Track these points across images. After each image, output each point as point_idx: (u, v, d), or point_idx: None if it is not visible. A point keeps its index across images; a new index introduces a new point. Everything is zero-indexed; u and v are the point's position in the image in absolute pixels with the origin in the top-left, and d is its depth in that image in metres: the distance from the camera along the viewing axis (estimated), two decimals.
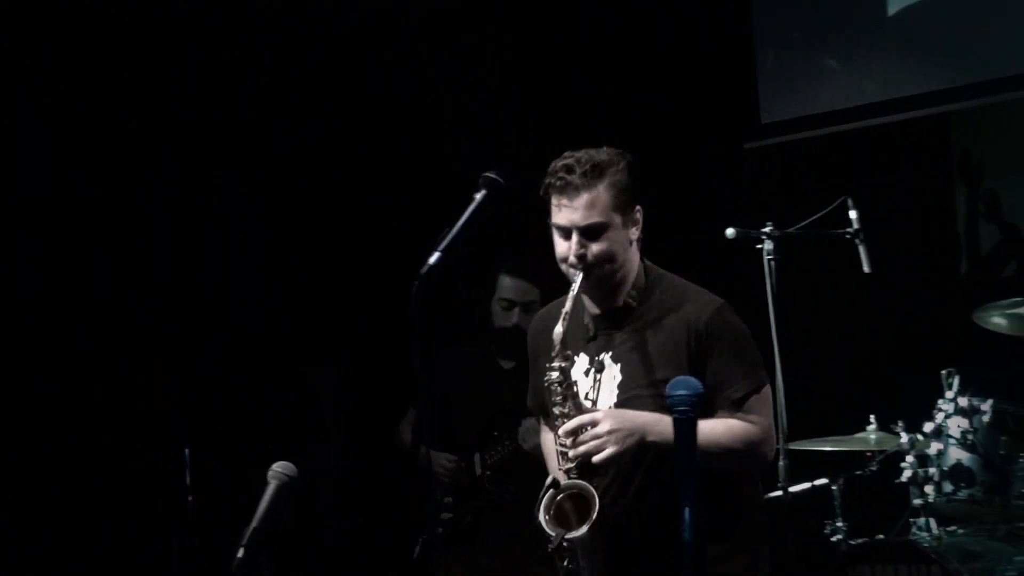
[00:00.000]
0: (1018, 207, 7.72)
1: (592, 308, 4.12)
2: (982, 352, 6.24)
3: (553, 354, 3.98)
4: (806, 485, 5.81)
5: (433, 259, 3.73)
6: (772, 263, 5.63)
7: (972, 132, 7.87)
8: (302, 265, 7.25)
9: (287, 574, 6.47)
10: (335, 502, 7.28)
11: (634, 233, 4.06)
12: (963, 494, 5.55)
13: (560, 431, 3.96)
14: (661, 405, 3.79)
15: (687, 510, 3.43)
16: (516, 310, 6.08)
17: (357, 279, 7.22)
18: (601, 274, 3.99)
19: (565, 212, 3.98)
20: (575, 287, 3.97)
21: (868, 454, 5.91)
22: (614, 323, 4.09)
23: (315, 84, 7.40)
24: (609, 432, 3.87)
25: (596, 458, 3.88)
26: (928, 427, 5.68)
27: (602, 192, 3.97)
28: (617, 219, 3.99)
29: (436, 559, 5.96)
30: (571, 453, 3.92)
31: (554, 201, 4.01)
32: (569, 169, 3.98)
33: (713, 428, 3.91)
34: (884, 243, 6.13)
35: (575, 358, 4.08)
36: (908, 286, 7.60)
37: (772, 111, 7.92)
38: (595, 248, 3.97)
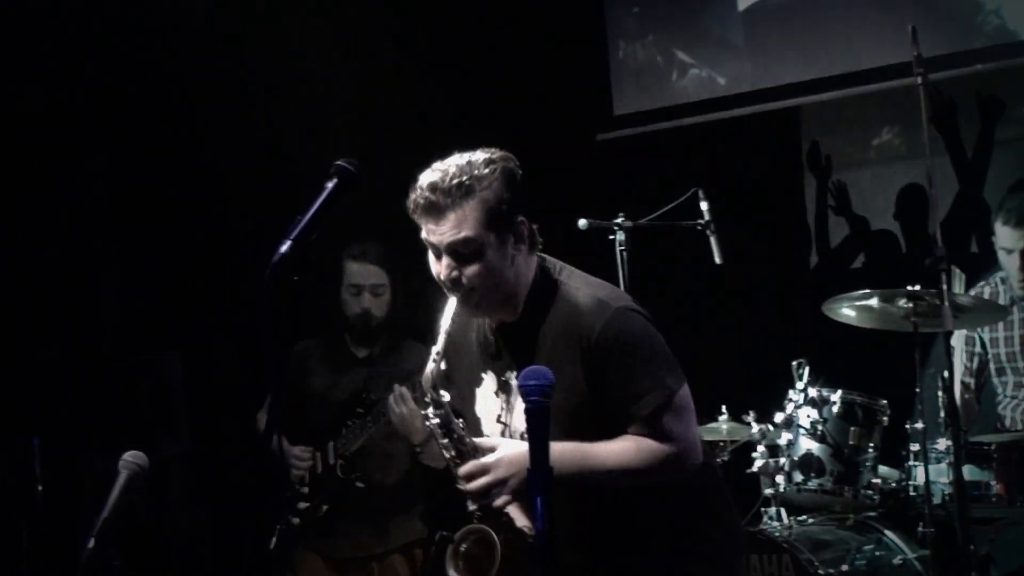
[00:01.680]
0: (867, 200, 7.82)
1: (491, 321, 3.85)
2: (831, 343, 6.33)
3: (426, 399, 3.72)
4: None
5: (284, 248, 3.61)
6: (624, 254, 5.70)
7: (821, 125, 7.95)
8: (151, 252, 7.15)
9: (139, 564, 6.41)
10: (188, 491, 7.20)
11: (519, 247, 3.74)
12: (813, 484, 5.58)
13: (458, 476, 3.71)
14: (566, 425, 3.59)
15: (538, 500, 3.32)
16: (365, 295, 6.05)
17: (209, 268, 7.13)
18: (480, 297, 3.71)
19: (433, 234, 3.69)
20: (450, 306, 3.70)
21: (720, 444, 5.95)
22: (514, 338, 3.80)
23: (161, 71, 7.29)
24: (501, 481, 3.63)
25: (496, 504, 3.67)
26: (778, 417, 5.69)
27: (470, 211, 3.65)
28: (492, 237, 3.67)
29: (293, 549, 5.90)
30: (469, 502, 3.70)
31: (421, 221, 3.72)
32: (433, 188, 3.66)
33: (624, 451, 3.68)
34: (735, 234, 6.19)
35: (482, 376, 3.86)
36: (758, 277, 7.68)
37: (624, 103, 7.99)
38: (469, 271, 3.68)
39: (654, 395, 3.67)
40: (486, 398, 3.86)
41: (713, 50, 7.75)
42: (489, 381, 3.87)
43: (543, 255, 3.86)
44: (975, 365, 6.20)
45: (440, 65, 7.77)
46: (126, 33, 7.22)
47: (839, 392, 5.63)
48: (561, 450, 3.53)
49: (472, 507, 3.72)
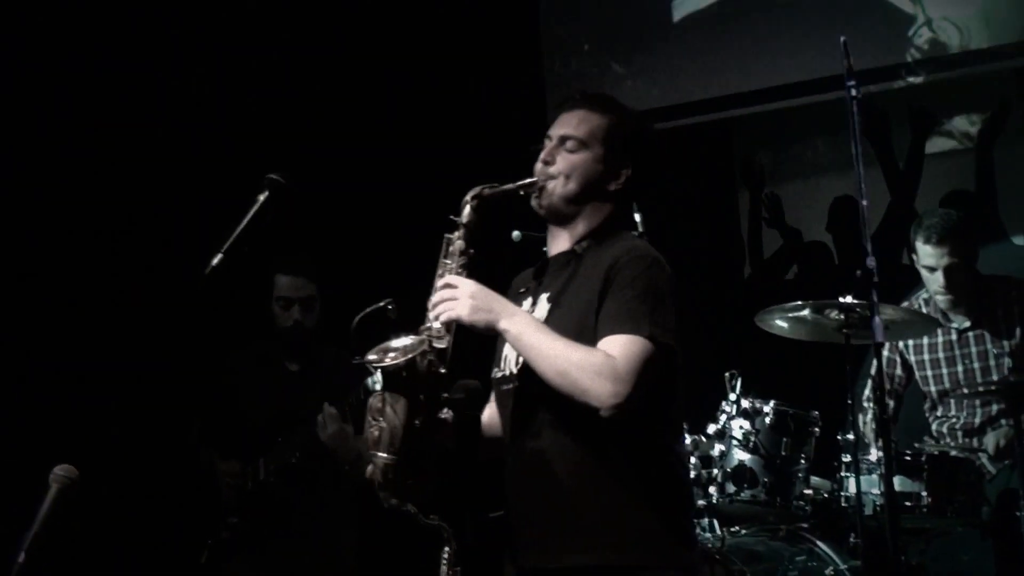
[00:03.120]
0: (799, 212, 7.89)
1: (551, 249, 3.99)
2: (764, 355, 6.35)
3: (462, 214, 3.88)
4: None
5: (216, 260, 3.66)
6: None
7: (754, 138, 8.03)
8: (77, 263, 7.08)
9: None
10: (118, 504, 7.14)
11: (611, 183, 3.92)
12: (745, 495, 5.56)
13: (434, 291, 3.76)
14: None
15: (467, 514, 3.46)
16: (295, 307, 6.05)
17: (135, 279, 7.07)
18: (556, 187, 3.89)
19: (556, 122, 3.96)
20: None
21: None
22: (560, 266, 3.94)
23: (116, 78, 7.25)
24: (467, 296, 3.68)
25: (443, 316, 3.67)
26: (711, 428, 5.68)
27: (597, 120, 3.92)
28: (598, 150, 3.90)
29: (222, 563, 5.89)
30: (430, 304, 3.71)
31: (553, 117, 3.98)
32: (584, 93, 4.03)
33: (572, 345, 3.66)
34: (669, 246, 6.18)
35: (523, 303, 3.91)
36: (692, 289, 7.66)
37: None
38: (563, 157, 3.90)
39: (629, 325, 3.66)
40: None
41: (647, 61, 7.80)
42: (526, 304, 3.93)
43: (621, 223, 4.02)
44: (895, 386, 6.27)
45: (381, 80, 7.77)
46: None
47: (771, 403, 5.62)
48: (526, 315, 3.76)
49: (428, 324, 3.70)
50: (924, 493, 5.46)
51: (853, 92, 4.50)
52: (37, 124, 7.02)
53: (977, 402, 6.07)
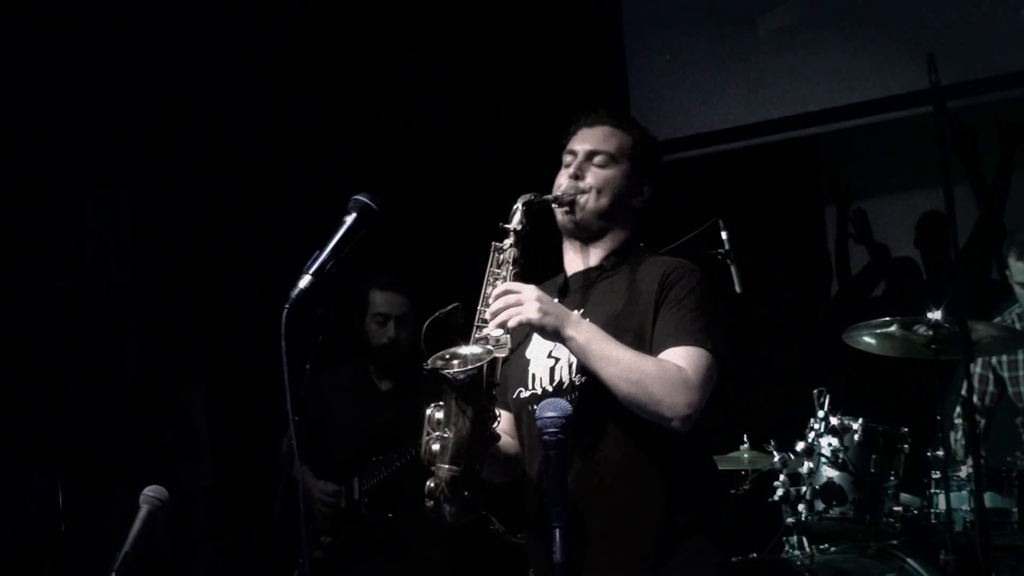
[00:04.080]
0: (887, 227, 7.84)
1: (569, 267, 4.00)
2: (852, 371, 6.32)
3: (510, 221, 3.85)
4: None
5: (303, 283, 3.64)
6: None
7: (840, 153, 7.98)
8: (175, 287, 7.18)
9: None
10: (210, 525, 7.22)
11: (636, 199, 3.98)
12: (834, 512, 5.54)
13: (491, 294, 3.74)
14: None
15: (557, 532, 3.38)
16: (391, 324, 6.04)
17: (231, 302, 7.16)
18: (585, 203, 3.90)
19: (580, 137, 3.98)
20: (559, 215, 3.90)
21: (742, 473, 5.94)
22: (587, 283, 3.95)
23: (189, 107, 7.35)
24: (534, 299, 3.65)
25: (512, 321, 3.64)
26: (800, 446, 5.67)
27: (623, 136, 3.97)
28: (626, 165, 3.95)
29: None
30: (489, 311, 3.68)
31: (573, 131, 4.00)
32: (605, 110, 4.02)
33: (639, 354, 3.70)
34: (756, 264, 6.19)
35: None
36: (779, 306, 7.68)
37: None
38: (592, 172, 3.92)
39: (690, 337, 3.73)
40: (540, 339, 3.87)
41: (732, 79, 7.76)
42: None
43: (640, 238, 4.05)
44: (987, 402, 6.20)
45: (459, 100, 7.79)
46: (155, 69, 7.26)
47: (860, 420, 5.61)
48: (591, 324, 3.73)
49: (483, 332, 3.69)
50: (1015, 510, 5.42)
51: (939, 107, 4.48)
52: (150, 153, 7.14)
53: None
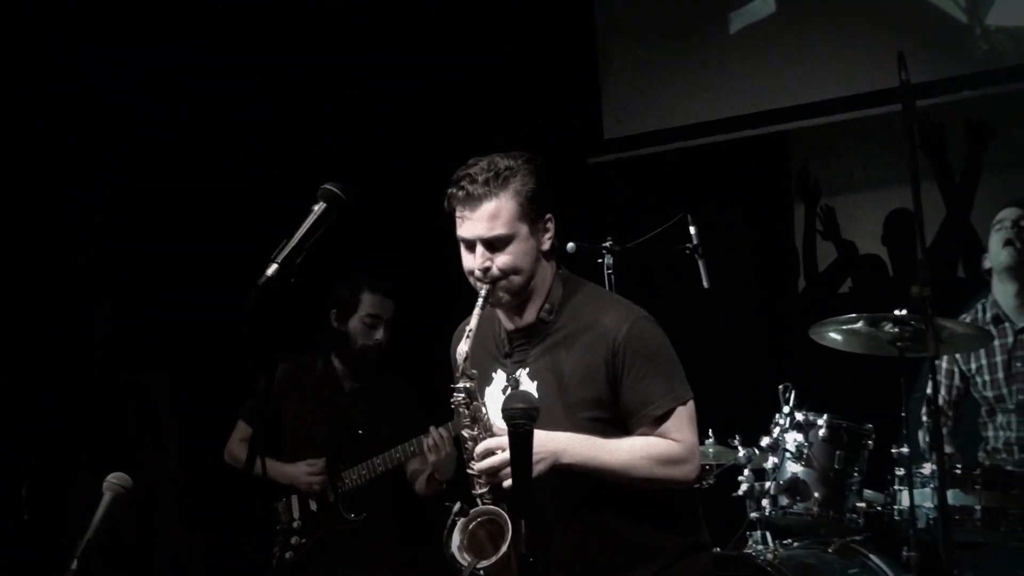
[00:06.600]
0: (854, 224, 7.87)
1: (507, 323, 4.00)
2: (818, 367, 6.35)
3: (457, 374, 3.86)
4: None
5: (270, 271, 3.64)
6: (612, 277, 5.76)
7: (810, 150, 8.00)
8: (142, 275, 7.17)
9: None
10: (174, 512, 7.22)
11: (545, 243, 3.93)
12: (798, 508, 5.60)
13: (472, 456, 3.82)
14: (577, 424, 3.80)
15: (522, 523, 3.43)
16: (381, 327, 6.07)
17: (197, 291, 7.15)
18: (508, 287, 3.87)
19: (468, 224, 3.87)
20: (480, 302, 3.86)
21: (706, 467, 5.92)
22: (528, 339, 3.97)
23: (155, 96, 7.33)
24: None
25: (507, 483, 3.69)
26: (765, 441, 5.72)
27: (506, 202, 3.84)
28: (523, 229, 3.87)
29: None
30: (482, 479, 3.79)
31: (457, 212, 3.89)
32: (471, 179, 3.86)
33: (632, 446, 3.82)
34: (723, 259, 6.22)
35: (492, 375, 3.99)
36: (746, 302, 7.71)
37: (615, 127, 8.04)
38: (500, 260, 3.85)
39: (668, 399, 3.86)
40: (494, 396, 3.96)
41: (703, 74, 7.79)
42: (499, 379, 3.99)
43: (559, 265, 4.05)
44: (953, 396, 6.24)
45: (433, 90, 7.80)
46: (126, 47, 7.24)
47: (825, 416, 5.66)
48: (573, 439, 3.80)
49: (481, 489, 3.80)
50: (978, 507, 5.43)
51: (908, 105, 4.50)
52: (119, 141, 7.13)
53: None
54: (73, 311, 7.01)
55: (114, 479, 3.89)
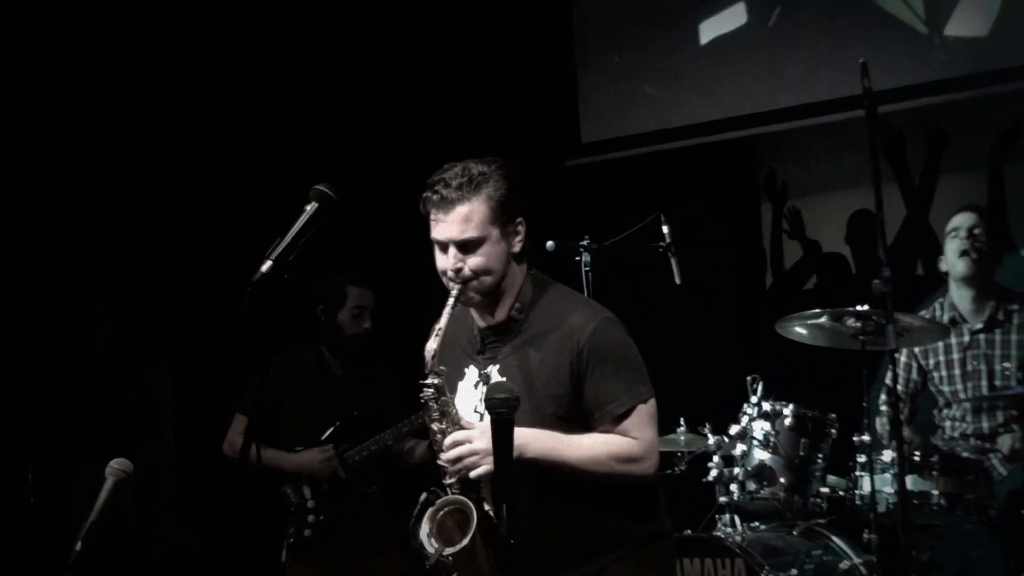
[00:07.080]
0: (819, 224, 7.98)
1: (479, 321, 4.04)
2: (784, 360, 6.43)
3: (426, 371, 3.89)
4: None
5: (264, 267, 3.73)
6: (589, 274, 5.84)
7: (777, 154, 8.09)
8: (143, 268, 7.25)
9: (127, 570, 6.54)
10: (173, 498, 7.32)
11: (516, 245, 3.97)
12: (765, 492, 5.70)
13: (440, 448, 3.88)
14: (543, 420, 3.87)
15: (504, 507, 3.53)
16: (366, 316, 6.34)
17: (196, 284, 7.25)
18: (479, 287, 3.92)
19: (441, 227, 3.91)
20: (451, 301, 3.89)
21: (678, 454, 6.08)
22: (500, 337, 4.01)
23: (157, 88, 7.42)
24: (483, 451, 3.76)
25: (473, 474, 3.80)
26: (734, 429, 5.81)
27: (478, 205, 3.88)
28: (495, 232, 3.91)
29: (303, 560, 6.16)
30: (449, 469, 3.85)
31: (432, 215, 3.93)
32: (445, 183, 3.90)
33: (593, 443, 3.88)
34: (694, 257, 6.31)
35: (465, 370, 4.05)
36: (716, 297, 7.80)
37: (592, 131, 8.14)
38: (472, 262, 3.89)
39: (628, 397, 3.91)
40: (466, 391, 4.05)
41: (676, 82, 7.87)
42: (471, 375, 4.06)
43: (530, 266, 4.11)
44: (910, 389, 6.40)
45: (413, 94, 7.85)
46: (124, 47, 7.33)
47: (791, 406, 5.75)
48: (536, 434, 3.85)
49: (449, 480, 3.87)
50: (935, 492, 5.58)
51: (871, 111, 4.58)
52: (119, 135, 7.20)
53: (984, 406, 6.20)
54: (76, 306, 7.08)
55: (116, 464, 3.91)
